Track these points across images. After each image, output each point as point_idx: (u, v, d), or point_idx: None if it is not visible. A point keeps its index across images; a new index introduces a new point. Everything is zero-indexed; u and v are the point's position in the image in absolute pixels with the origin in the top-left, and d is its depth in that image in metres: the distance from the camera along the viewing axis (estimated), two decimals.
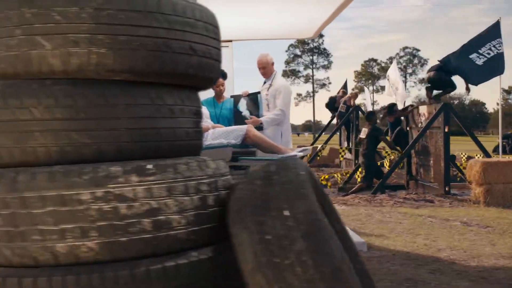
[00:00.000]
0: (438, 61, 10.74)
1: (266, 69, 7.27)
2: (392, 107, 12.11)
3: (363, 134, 10.77)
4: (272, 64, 7.32)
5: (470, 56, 10.19)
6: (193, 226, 2.36)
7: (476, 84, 10.79)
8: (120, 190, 2.21)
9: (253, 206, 2.28)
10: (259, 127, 6.35)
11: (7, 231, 2.22)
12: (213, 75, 2.66)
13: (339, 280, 2.07)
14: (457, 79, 10.85)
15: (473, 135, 11.38)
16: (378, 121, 11.87)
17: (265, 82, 7.37)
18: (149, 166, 2.28)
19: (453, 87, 10.90)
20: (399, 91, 16.18)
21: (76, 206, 2.18)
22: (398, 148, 11.47)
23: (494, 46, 10.28)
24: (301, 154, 7.11)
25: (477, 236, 7.22)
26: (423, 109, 11.38)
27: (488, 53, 10.26)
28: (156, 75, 2.41)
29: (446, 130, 10.43)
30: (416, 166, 11.88)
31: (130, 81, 2.39)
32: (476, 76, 10.38)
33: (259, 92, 7.07)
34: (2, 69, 2.36)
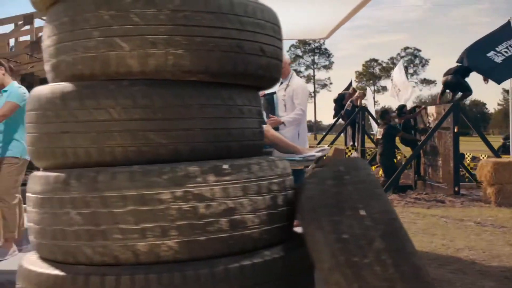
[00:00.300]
0: (457, 63, 10.78)
1: (283, 69, 7.29)
2: (401, 108, 12.15)
3: (379, 134, 10.79)
4: (289, 64, 7.34)
5: (488, 55, 10.25)
6: (266, 225, 2.39)
7: (499, 82, 10.83)
8: (198, 190, 2.24)
9: (327, 206, 2.32)
10: (276, 127, 6.36)
11: (87, 230, 2.25)
12: (278, 76, 2.69)
13: (419, 280, 2.11)
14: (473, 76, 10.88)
15: (483, 135, 11.45)
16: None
17: (281, 83, 7.39)
18: (225, 166, 2.31)
19: (470, 91, 10.98)
20: (401, 92, 16.25)
21: (157, 205, 2.21)
22: (417, 139, 11.46)
23: (510, 45, 10.35)
24: (320, 154, 7.15)
25: (493, 236, 7.28)
26: (431, 110, 11.45)
27: (506, 52, 10.33)
28: (228, 76, 2.44)
29: (455, 130, 10.49)
30: (424, 166, 11.94)
31: (203, 82, 2.42)
32: (498, 73, 10.42)
33: (274, 93, 7.10)
34: (78, 70, 2.39)
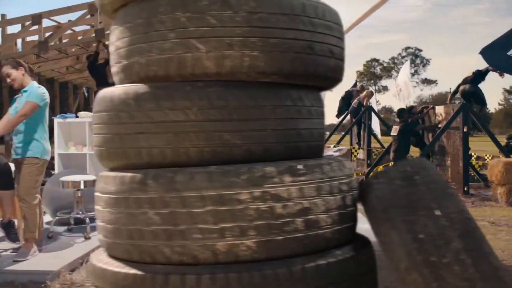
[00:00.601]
0: (474, 72, 10.87)
1: None
2: (410, 109, 12.19)
3: (394, 131, 10.80)
4: None
5: (508, 53, 10.34)
6: (337, 225, 2.42)
7: None
8: (275, 190, 2.26)
9: (399, 206, 2.34)
10: None
11: (165, 229, 2.26)
12: (342, 77, 2.72)
13: (499, 280, 2.14)
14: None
15: (493, 135, 11.50)
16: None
17: None
18: (300, 167, 2.34)
19: (485, 104, 11.12)
20: (402, 92, 16.30)
21: (235, 205, 2.23)
22: (438, 126, 11.45)
23: None
24: (337, 154, 7.18)
25: (510, 236, 7.33)
26: (439, 110, 11.49)
27: None
28: (300, 77, 2.46)
29: (465, 130, 10.54)
30: None
31: (275, 83, 2.44)
32: None
33: None
34: (153, 71, 2.40)
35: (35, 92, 4.23)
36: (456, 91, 11.42)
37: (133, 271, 2.30)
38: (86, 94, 16.77)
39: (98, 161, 2.71)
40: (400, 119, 11.27)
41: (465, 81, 11.32)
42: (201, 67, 2.33)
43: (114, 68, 2.64)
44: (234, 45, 2.31)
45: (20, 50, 9.98)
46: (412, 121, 11.87)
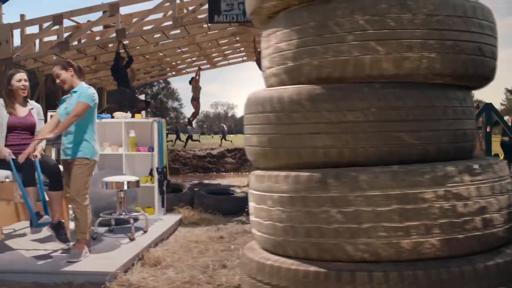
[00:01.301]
0: None
1: None
2: None
3: None
4: None
5: None
6: (506, 224, 2.45)
7: None
8: (457, 189, 2.30)
9: None
10: None
11: (349, 228, 2.32)
12: (493, 78, 2.74)
13: None
14: None
15: None
16: None
17: None
18: (476, 166, 2.38)
19: None
20: None
21: (420, 204, 2.27)
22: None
23: None
24: None
25: None
26: None
27: None
28: (469, 78, 2.50)
29: (488, 130, 10.46)
30: None
31: (445, 84, 2.49)
32: None
33: None
34: (327, 73, 2.45)
35: (86, 92, 4.20)
36: None
37: (313, 268, 2.35)
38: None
39: (254, 159, 2.76)
40: None
41: None
42: (379, 68, 2.38)
43: (272, 70, 2.69)
44: (413, 47, 2.35)
45: (38, 50, 10.01)
46: None
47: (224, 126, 42.45)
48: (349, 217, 2.31)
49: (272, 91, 2.61)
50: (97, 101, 4.38)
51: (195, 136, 27.74)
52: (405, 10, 2.36)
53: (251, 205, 2.75)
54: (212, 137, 42.46)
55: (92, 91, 4.31)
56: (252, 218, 2.77)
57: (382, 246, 2.29)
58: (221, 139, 27.88)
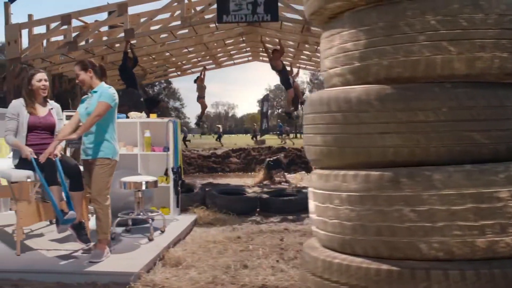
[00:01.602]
0: None
1: None
2: None
3: None
4: None
5: None
6: None
7: None
8: None
9: None
10: None
11: (422, 226, 2.33)
12: None
13: None
14: None
15: None
16: None
17: None
18: None
19: None
20: None
21: (495, 203, 2.29)
22: None
23: None
24: None
25: None
26: None
27: None
28: None
29: None
30: None
31: (510, 83, 2.51)
32: None
33: None
34: (397, 73, 2.46)
35: (106, 92, 4.18)
36: None
37: (385, 266, 2.37)
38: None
39: (316, 158, 2.77)
40: None
41: None
42: (450, 68, 2.39)
43: (336, 70, 2.70)
44: (485, 47, 2.37)
45: (44, 50, 9.94)
46: None
47: (220, 127, 42.41)
48: (422, 216, 2.32)
49: (338, 91, 2.62)
50: (117, 100, 4.37)
51: (196, 136, 27.79)
52: (477, 10, 2.37)
53: (313, 203, 2.76)
54: (213, 137, 42.32)
55: (113, 91, 4.30)
56: (314, 216, 2.77)
57: (456, 245, 2.30)
58: (216, 139, 27.89)
